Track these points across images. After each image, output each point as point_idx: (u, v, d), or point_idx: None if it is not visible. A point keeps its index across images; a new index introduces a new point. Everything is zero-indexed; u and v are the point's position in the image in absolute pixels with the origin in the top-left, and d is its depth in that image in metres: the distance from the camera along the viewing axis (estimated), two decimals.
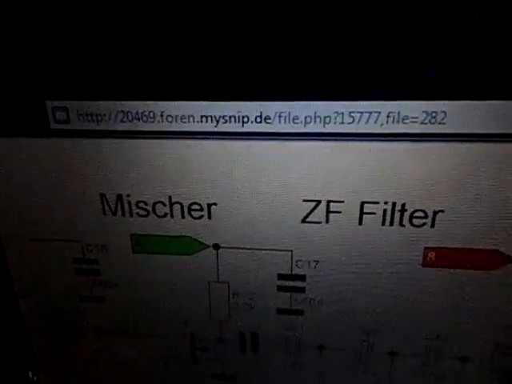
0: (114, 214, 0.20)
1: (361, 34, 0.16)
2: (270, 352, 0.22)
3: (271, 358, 0.22)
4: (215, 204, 0.19)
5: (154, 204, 0.19)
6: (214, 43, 0.16)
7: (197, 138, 0.18)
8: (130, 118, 0.18)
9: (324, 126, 0.17)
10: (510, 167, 0.17)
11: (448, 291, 0.19)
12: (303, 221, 0.19)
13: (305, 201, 0.18)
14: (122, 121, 0.18)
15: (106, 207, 0.20)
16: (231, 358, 0.23)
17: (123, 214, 0.20)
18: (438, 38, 0.15)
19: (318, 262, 0.20)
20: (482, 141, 0.17)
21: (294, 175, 0.18)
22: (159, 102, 0.17)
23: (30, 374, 0.25)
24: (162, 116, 0.18)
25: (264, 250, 0.20)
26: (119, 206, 0.20)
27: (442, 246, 0.19)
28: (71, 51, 0.17)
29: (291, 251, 0.20)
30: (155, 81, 0.17)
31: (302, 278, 0.20)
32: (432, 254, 0.19)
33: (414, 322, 0.20)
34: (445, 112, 0.16)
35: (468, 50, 0.15)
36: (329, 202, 0.18)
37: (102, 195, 0.20)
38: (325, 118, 0.17)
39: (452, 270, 0.19)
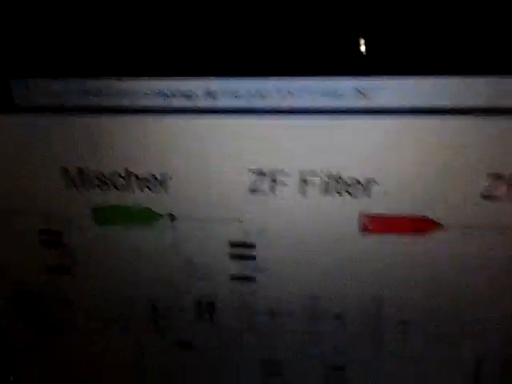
0: (76, 187, 0.22)
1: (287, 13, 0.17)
2: (226, 319, 0.24)
3: (228, 325, 0.24)
4: (170, 176, 0.21)
5: (112, 176, 0.21)
6: (163, 22, 0.18)
7: (150, 114, 0.19)
8: (88, 95, 0.19)
9: (264, 101, 0.19)
10: (432, 140, 0.19)
11: (386, 256, 0.21)
12: (250, 191, 0.20)
13: (251, 172, 0.20)
14: (80, 97, 0.19)
15: (69, 180, 0.21)
16: (190, 327, 0.24)
17: (84, 187, 0.21)
18: (364, 10, 0.17)
19: (266, 230, 0.21)
20: (408, 115, 0.18)
21: (240, 148, 0.20)
22: (114, 79, 0.19)
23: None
24: (116, 92, 0.19)
25: (216, 219, 0.21)
26: (80, 180, 0.21)
27: (376, 213, 0.20)
28: (33, 31, 0.19)
29: (241, 221, 0.21)
30: (111, 58, 0.19)
31: (252, 246, 0.22)
32: (368, 221, 0.20)
33: (357, 286, 0.22)
34: (372, 88, 0.18)
35: (392, 26, 0.17)
36: (273, 173, 0.20)
37: (65, 169, 0.21)
38: (264, 93, 0.18)
39: (387, 235, 0.21)
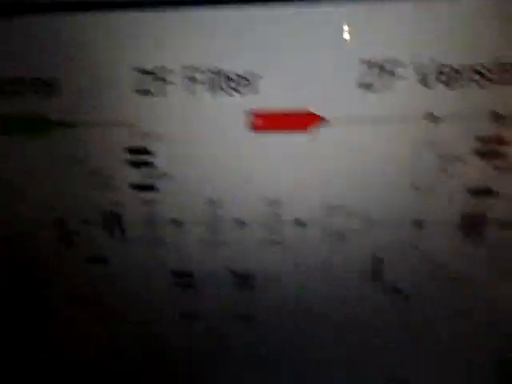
0: None
1: None
2: (133, 231, 0.24)
3: (136, 236, 0.24)
4: (59, 80, 0.21)
5: (11, 82, 0.21)
6: None
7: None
8: None
9: None
10: (309, 31, 0.19)
11: (277, 154, 0.22)
12: (137, 92, 0.21)
13: (134, 70, 0.21)
14: None
15: None
16: (102, 241, 0.25)
17: None
18: None
19: (161, 135, 0.22)
20: (280, 5, 0.19)
21: (121, 45, 0.20)
22: None
23: None
24: None
25: (109, 124, 0.22)
26: None
27: (264, 109, 0.21)
28: None
29: (135, 125, 0.22)
30: None
31: (149, 152, 0.22)
32: (257, 118, 0.21)
33: (254, 187, 0.23)
34: None
35: None
36: (157, 71, 0.20)
37: None
38: None
39: (276, 132, 0.21)
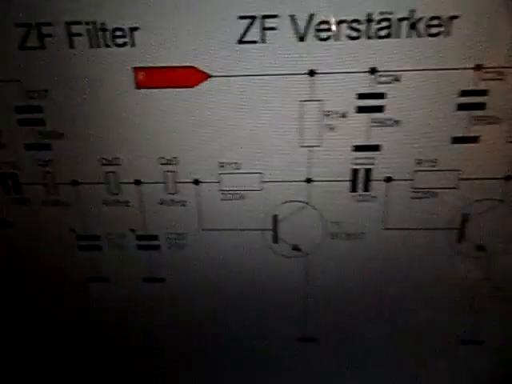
0: None
1: None
2: (32, 192, 0.24)
3: (36, 198, 0.24)
4: None
5: None
6: None
7: None
8: None
9: None
10: None
11: (162, 111, 0.22)
12: (21, 47, 0.21)
13: (17, 25, 0.20)
14: None
15: None
16: (2, 204, 0.25)
17: None
18: None
19: (47, 91, 0.22)
20: None
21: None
22: None
23: None
24: None
25: None
26: None
27: (148, 65, 0.21)
28: None
29: (19, 81, 0.21)
30: None
31: (38, 109, 0.22)
32: (142, 74, 0.21)
33: (148, 145, 0.23)
34: None
35: None
36: (41, 25, 0.20)
37: None
38: None
39: (162, 88, 0.21)
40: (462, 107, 0.21)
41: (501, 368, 0.27)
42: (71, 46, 0.21)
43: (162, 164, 0.23)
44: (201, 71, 0.21)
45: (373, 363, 0.28)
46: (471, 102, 0.21)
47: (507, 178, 0.22)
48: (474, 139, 0.22)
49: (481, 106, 0.21)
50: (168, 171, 0.23)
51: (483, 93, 0.21)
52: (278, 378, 0.29)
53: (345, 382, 0.29)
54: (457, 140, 0.22)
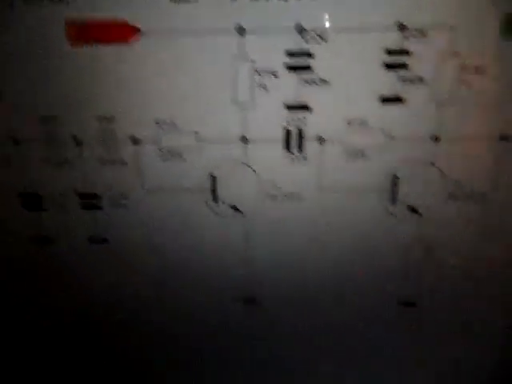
0: None
1: None
2: None
3: None
4: None
5: None
6: None
7: None
8: None
9: None
10: None
11: (100, 68, 0.22)
12: None
13: None
14: None
15: None
16: None
17: None
18: None
19: None
20: None
21: None
22: None
23: None
24: None
25: None
26: None
27: (80, 20, 0.21)
28: None
29: None
30: None
31: None
32: (74, 30, 0.22)
33: (86, 103, 0.23)
34: None
35: None
36: None
37: None
38: None
39: (95, 44, 0.22)
40: (388, 67, 0.22)
41: (434, 330, 0.28)
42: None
43: (99, 123, 0.24)
44: (133, 27, 0.21)
45: (315, 324, 0.29)
46: (397, 62, 0.22)
47: (435, 138, 0.23)
48: (401, 99, 0.22)
49: (406, 66, 0.22)
50: (106, 130, 0.24)
51: (407, 53, 0.21)
52: (226, 341, 0.30)
53: (288, 343, 0.29)
54: (385, 100, 0.22)
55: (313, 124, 0.23)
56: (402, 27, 0.21)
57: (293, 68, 0.22)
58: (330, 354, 0.29)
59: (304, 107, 0.23)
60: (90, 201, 0.26)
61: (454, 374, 0.30)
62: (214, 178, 0.25)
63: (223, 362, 0.30)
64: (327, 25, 0.21)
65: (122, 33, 0.21)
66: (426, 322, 0.28)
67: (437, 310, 0.28)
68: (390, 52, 0.21)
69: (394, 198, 0.25)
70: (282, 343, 0.29)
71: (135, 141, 0.24)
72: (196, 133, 0.24)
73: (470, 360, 0.29)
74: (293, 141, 0.24)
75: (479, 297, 0.27)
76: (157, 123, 0.23)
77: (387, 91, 0.22)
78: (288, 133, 0.23)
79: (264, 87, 0.22)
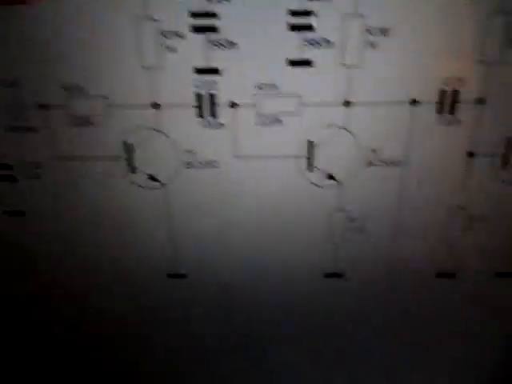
0: None
1: None
2: None
3: None
4: None
5: None
6: None
7: None
8: None
9: None
10: None
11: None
12: None
13: None
14: None
15: None
16: None
17: None
18: None
19: None
20: None
21: None
22: None
23: None
24: None
25: None
26: None
27: None
28: None
29: None
30: None
31: None
32: None
33: None
34: None
35: None
36: None
37: None
38: None
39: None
40: (293, 29, 0.22)
41: (363, 301, 0.28)
42: None
43: (2, 87, 0.23)
44: None
45: (241, 298, 0.29)
46: (302, 24, 0.22)
47: (346, 103, 0.23)
48: (309, 63, 0.22)
49: (311, 28, 0.22)
50: (12, 95, 0.23)
51: (311, 14, 0.21)
52: (153, 313, 0.29)
53: (211, 315, 0.29)
54: (293, 63, 0.22)
55: (224, 88, 0.23)
56: None
57: (199, 29, 0.22)
58: (256, 326, 0.29)
59: (214, 71, 0.22)
60: (3, 172, 0.25)
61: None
62: (128, 146, 0.24)
63: (146, 335, 0.30)
64: None
65: None
66: (352, 293, 0.28)
67: (364, 281, 0.28)
68: (294, 13, 0.21)
69: (310, 164, 0.25)
70: (208, 316, 0.29)
71: (44, 106, 0.23)
72: (105, 98, 0.23)
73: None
74: (205, 106, 0.23)
75: (405, 262, 0.27)
76: (64, 88, 0.23)
77: (295, 54, 0.22)
78: (200, 98, 0.23)
79: (172, 49, 0.22)
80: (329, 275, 0.28)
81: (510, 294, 0.28)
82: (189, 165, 0.25)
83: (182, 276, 0.28)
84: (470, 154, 0.24)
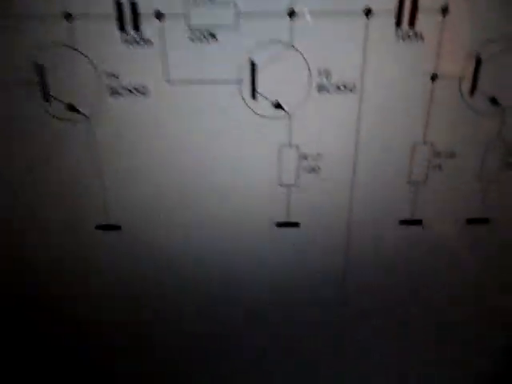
0: None
1: None
2: None
3: None
4: None
5: None
6: None
7: None
8: None
9: None
10: None
11: None
12: None
13: None
14: None
15: None
16: None
17: None
18: None
19: None
20: None
21: None
22: None
23: None
24: None
25: None
26: None
27: None
28: None
29: None
30: None
31: None
32: None
33: None
34: None
35: None
36: None
37: None
38: None
39: None
40: None
41: (318, 247, 0.25)
42: None
43: None
44: None
45: (175, 236, 0.25)
46: None
47: (290, 14, 0.20)
48: None
49: None
50: None
51: None
52: (84, 270, 0.26)
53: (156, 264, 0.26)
54: None
55: None
56: None
57: None
58: (201, 281, 0.26)
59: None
60: None
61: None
62: (39, 68, 0.21)
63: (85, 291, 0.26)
64: None
65: None
66: (305, 240, 0.25)
67: (321, 230, 0.25)
68: None
69: (253, 90, 0.21)
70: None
71: None
72: (6, 10, 0.20)
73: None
74: (127, 17, 0.20)
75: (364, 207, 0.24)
76: None
77: None
78: (119, 6, 0.20)
79: None
80: (282, 224, 0.25)
81: (482, 243, 0.25)
82: (113, 91, 0.21)
83: (117, 228, 0.25)
84: (434, 77, 0.21)
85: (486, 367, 0.29)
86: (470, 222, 0.24)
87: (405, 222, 0.24)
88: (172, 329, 0.27)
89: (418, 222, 0.24)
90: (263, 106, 0.22)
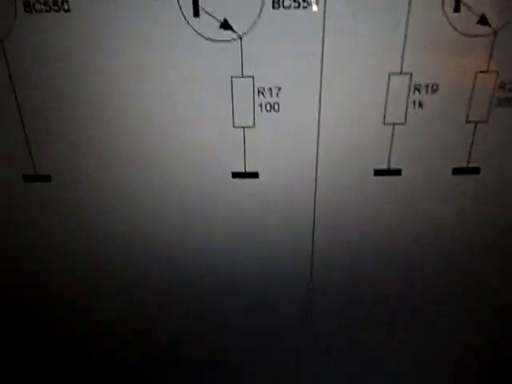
0: None
1: None
2: None
3: None
4: None
5: None
6: None
7: None
8: None
9: None
10: None
11: None
12: None
13: None
14: None
15: None
16: None
17: None
18: None
19: None
20: None
21: None
22: None
23: None
24: None
25: None
26: None
27: None
28: None
29: None
30: None
31: None
32: None
33: None
34: None
35: None
36: None
37: None
38: None
39: None
40: None
41: (275, 198, 0.22)
42: None
43: None
44: None
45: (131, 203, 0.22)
46: None
47: None
48: None
49: None
50: None
51: None
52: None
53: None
54: None
55: None
56: None
57: None
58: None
59: None
60: None
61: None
62: None
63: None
64: None
65: None
66: (267, 193, 0.22)
67: (283, 181, 0.21)
68: None
69: (195, 5, 0.18)
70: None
71: None
72: None
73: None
74: None
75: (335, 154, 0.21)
76: None
77: None
78: None
79: None
80: (238, 175, 0.21)
81: (468, 193, 0.21)
82: (28, 8, 0.18)
83: (44, 178, 0.21)
84: None
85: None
86: (456, 171, 0.21)
87: (380, 173, 0.21)
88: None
89: (397, 173, 0.21)
90: (208, 23, 0.18)
